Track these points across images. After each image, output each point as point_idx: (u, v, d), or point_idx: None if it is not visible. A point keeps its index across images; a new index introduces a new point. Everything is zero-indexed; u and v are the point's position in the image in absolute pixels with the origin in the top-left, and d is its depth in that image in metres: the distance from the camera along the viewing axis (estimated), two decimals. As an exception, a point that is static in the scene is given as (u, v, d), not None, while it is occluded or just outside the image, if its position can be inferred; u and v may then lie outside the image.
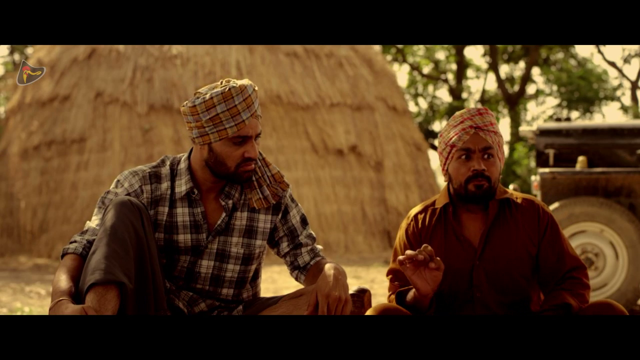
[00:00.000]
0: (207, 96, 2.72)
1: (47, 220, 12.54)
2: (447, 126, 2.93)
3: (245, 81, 2.79)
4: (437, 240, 2.90)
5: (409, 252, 2.66)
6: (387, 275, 3.01)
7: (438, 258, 2.68)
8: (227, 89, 2.72)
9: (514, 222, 2.89)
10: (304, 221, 2.98)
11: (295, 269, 2.96)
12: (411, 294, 2.79)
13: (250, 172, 2.82)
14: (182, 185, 2.86)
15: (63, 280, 2.58)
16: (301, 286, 2.96)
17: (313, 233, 3.01)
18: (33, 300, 7.34)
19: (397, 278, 2.95)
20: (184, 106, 2.79)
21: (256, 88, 2.82)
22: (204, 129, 2.75)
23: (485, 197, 2.87)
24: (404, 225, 3.00)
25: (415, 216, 2.98)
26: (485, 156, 2.85)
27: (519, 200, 2.93)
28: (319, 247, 3.01)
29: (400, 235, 2.99)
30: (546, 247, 2.87)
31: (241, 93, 2.73)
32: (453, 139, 2.87)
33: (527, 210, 2.91)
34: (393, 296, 2.91)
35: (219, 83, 2.81)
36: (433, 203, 3.00)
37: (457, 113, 2.94)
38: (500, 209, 2.91)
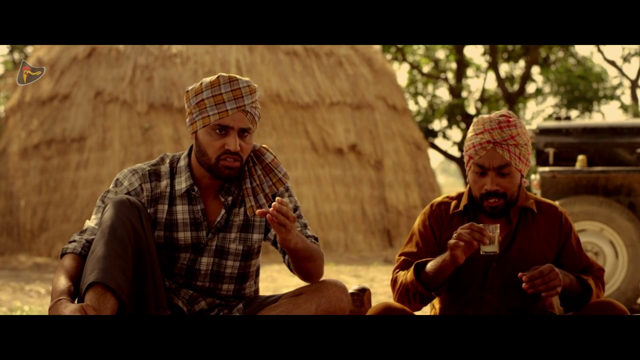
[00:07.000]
0: (198, 83, 2.80)
1: (47, 219, 12.53)
2: (471, 129, 2.87)
3: (244, 77, 2.81)
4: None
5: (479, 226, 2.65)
6: (400, 256, 2.96)
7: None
8: (215, 77, 2.79)
9: (536, 227, 2.88)
10: (296, 211, 2.91)
11: (285, 252, 2.91)
12: (434, 263, 2.75)
13: (232, 169, 2.80)
14: (182, 183, 2.86)
15: (62, 280, 2.58)
16: (299, 281, 2.94)
17: (307, 223, 2.96)
18: (33, 299, 7.34)
19: (409, 260, 2.91)
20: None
21: (254, 86, 2.82)
22: (192, 116, 2.81)
23: (502, 214, 2.85)
24: (426, 211, 2.96)
25: (439, 204, 2.96)
26: (501, 174, 2.82)
27: (542, 206, 2.92)
28: (311, 232, 2.94)
29: (422, 219, 2.95)
30: (567, 255, 2.87)
31: (229, 83, 2.77)
32: (470, 151, 2.83)
33: (549, 216, 2.90)
34: (403, 272, 2.87)
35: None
36: (455, 197, 2.97)
37: (481, 118, 2.86)
38: (522, 214, 2.89)
